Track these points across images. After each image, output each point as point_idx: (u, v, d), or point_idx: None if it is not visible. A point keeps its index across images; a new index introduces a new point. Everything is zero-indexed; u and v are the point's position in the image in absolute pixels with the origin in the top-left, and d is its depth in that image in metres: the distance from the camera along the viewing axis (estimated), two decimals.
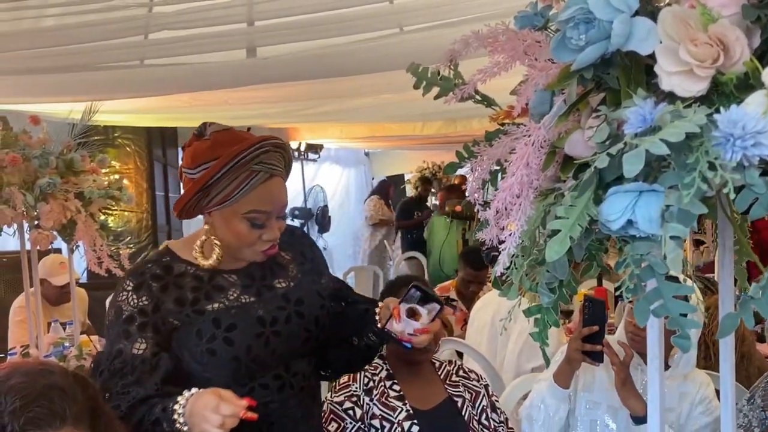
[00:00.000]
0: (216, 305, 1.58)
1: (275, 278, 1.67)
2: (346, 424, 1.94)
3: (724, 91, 0.80)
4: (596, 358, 2.04)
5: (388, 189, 9.17)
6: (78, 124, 3.29)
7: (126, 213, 5.68)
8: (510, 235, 0.85)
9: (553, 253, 0.79)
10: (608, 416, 2.14)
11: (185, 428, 1.41)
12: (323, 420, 1.97)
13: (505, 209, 0.89)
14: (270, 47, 2.94)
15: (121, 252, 3.17)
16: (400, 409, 1.96)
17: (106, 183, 3.26)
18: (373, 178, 11.33)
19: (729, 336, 1.16)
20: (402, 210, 8.43)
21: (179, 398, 1.42)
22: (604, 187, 0.84)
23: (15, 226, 3.01)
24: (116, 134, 5.71)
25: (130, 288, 1.57)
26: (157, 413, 1.45)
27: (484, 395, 2.11)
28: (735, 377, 2.08)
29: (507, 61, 0.91)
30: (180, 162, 1.64)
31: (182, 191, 1.61)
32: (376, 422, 1.94)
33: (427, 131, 5.89)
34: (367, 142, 7.94)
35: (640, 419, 1.92)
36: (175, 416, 1.40)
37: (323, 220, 8.22)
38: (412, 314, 1.58)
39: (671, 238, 0.71)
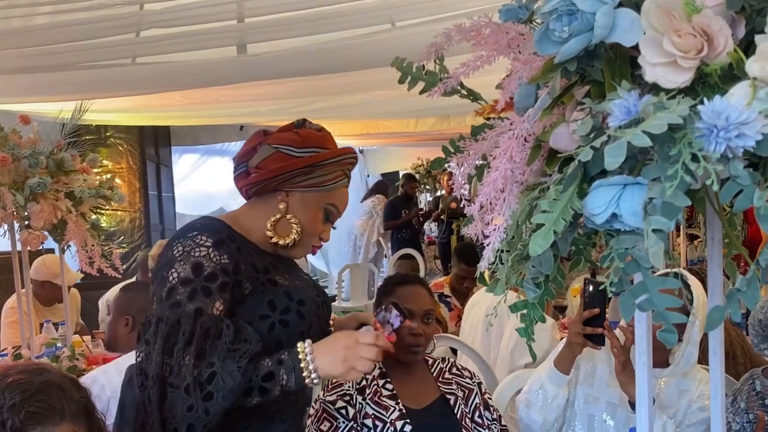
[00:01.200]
0: (282, 279, 1.59)
1: (299, 271, 1.74)
2: (339, 423, 1.93)
3: (708, 83, 0.79)
4: (597, 341, 2.01)
5: (387, 188, 9.18)
6: (68, 123, 3.27)
7: (119, 212, 5.66)
8: (494, 230, 0.84)
9: (536, 247, 0.78)
10: (606, 413, 2.12)
11: (315, 379, 1.42)
12: (316, 419, 1.96)
13: (490, 204, 0.88)
14: (260, 44, 2.93)
15: (113, 251, 3.15)
16: (392, 409, 1.95)
17: (97, 182, 3.25)
18: (368, 176, 11.31)
19: (719, 330, 1.16)
20: (389, 209, 8.41)
21: (299, 349, 1.43)
22: (588, 181, 0.83)
23: (5, 226, 3.00)
24: (108, 133, 5.68)
25: (209, 244, 1.48)
26: (269, 366, 1.41)
27: (477, 393, 2.10)
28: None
29: (490, 55, 0.90)
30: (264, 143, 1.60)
31: (256, 169, 1.59)
32: (368, 421, 1.93)
33: (421, 128, 5.88)
34: (362, 139, 7.92)
35: None
36: (302, 365, 1.41)
37: None
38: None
39: (654, 231, 0.70)
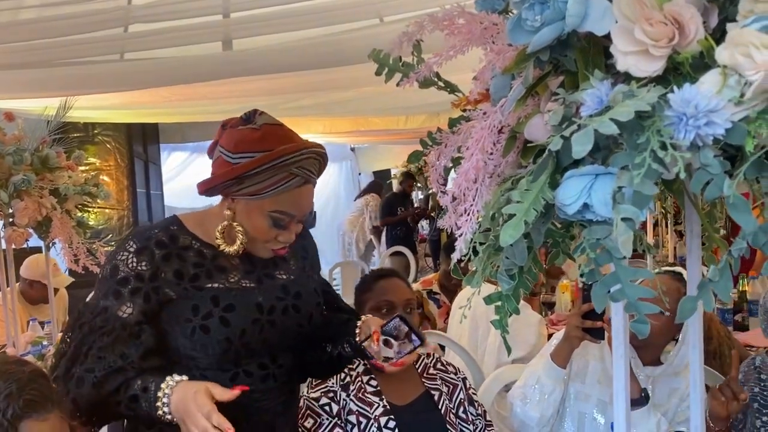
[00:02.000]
0: (216, 284, 1.57)
1: (276, 269, 1.68)
2: (323, 420, 1.92)
3: (681, 72, 0.78)
4: (597, 335, 1.98)
5: (382, 187, 9.14)
6: (53, 120, 3.25)
7: (107, 210, 5.63)
8: (466, 220, 0.83)
9: (507, 237, 0.77)
10: (597, 410, 2.11)
11: (168, 416, 1.41)
12: (299, 416, 1.95)
13: (463, 195, 0.87)
14: (246, 39, 2.91)
15: (97, 249, 3.13)
16: (376, 405, 1.94)
17: (82, 179, 3.23)
18: (359, 174, 11.30)
19: (698, 323, 1.15)
20: (385, 206, 8.41)
21: (163, 384, 1.42)
22: (561, 172, 0.83)
23: None
24: (96, 131, 5.65)
25: (132, 249, 1.54)
26: (136, 389, 1.44)
27: (461, 388, 2.09)
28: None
29: (463, 44, 0.89)
30: (218, 143, 1.59)
31: (211, 167, 1.58)
32: (352, 418, 1.92)
33: (411, 125, 5.87)
34: (352, 137, 7.91)
35: (633, 402, 1.88)
36: (159, 403, 1.41)
37: (308, 216, 8.16)
38: (388, 343, 1.64)
39: (623, 220, 0.69)
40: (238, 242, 1.58)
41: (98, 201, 3.35)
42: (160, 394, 1.41)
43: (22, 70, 3.51)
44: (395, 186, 9.60)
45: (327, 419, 1.91)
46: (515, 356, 2.99)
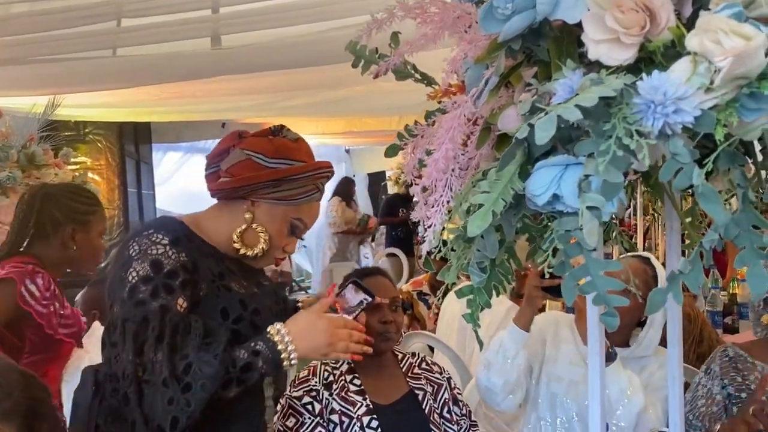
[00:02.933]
0: (237, 286, 1.54)
1: (261, 277, 1.70)
2: (305, 419, 1.90)
3: (653, 61, 0.77)
4: (556, 292, 1.96)
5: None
6: (41, 118, 3.24)
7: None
8: (436, 212, 0.82)
9: (474, 227, 0.76)
10: (567, 393, 2.10)
11: (294, 361, 1.43)
12: (282, 415, 1.93)
13: (434, 186, 0.85)
14: (235, 36, 2.89)
15: None
16: (359, 404, 1.92)
17: (70, 177, 3.21)
18: (354, 176, 11.27)
19: (677, 320, 1.14)
20: (387, 206, 8.37)
21: (270, 333, 1.44)
22: (533, 163, 0.82)
23: None
24: (87, 130, 5.62)
25: (165, 241, 1.45)
26: (244, 358, 1.40)
27: (446, 388, 2.08)
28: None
29: (435, 33, 0.88)
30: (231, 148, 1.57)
31: (226, 172, 1.55)
32: (335, 417, 1.90)
33: (404, 125, 5.84)
34: (346, 138, 7.90)
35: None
36: (283, 354, 1.43)
37: None
38: (345, 307, 1.68)
39: (589, 208, 0.68)
40: (261, 245, 1.57)
41: None
42: (278, 341, 1.43)
43: (14, 66, 3.49)
44: (390, 187, 9.56)
45: (309, 418, 1.89)
46: None
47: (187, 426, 1.36)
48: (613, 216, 1.16)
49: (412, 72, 1.09)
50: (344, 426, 1.89)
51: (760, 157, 0.83)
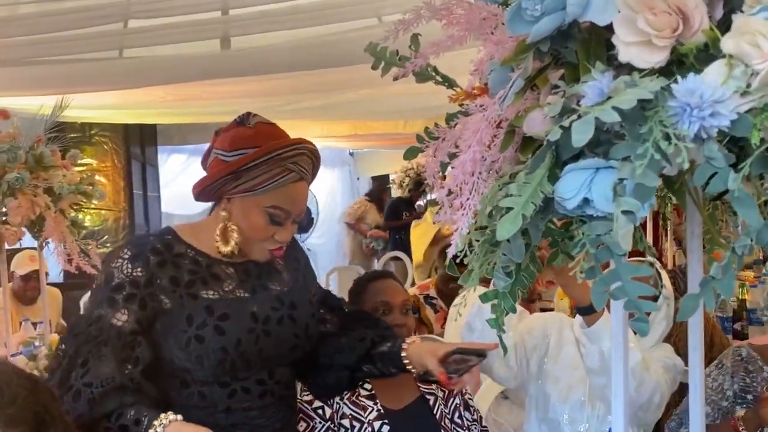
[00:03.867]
0: (211, 293, 1.56)
1: (270, 280, 1.67)
2: (315, 423, 1.89)
3: (685, 64, 0.76)
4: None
5: (382, 194, 9.00)
6: (49, 119, 3.23)
7: (103, 212, 5.60)
8: (462, 215, 0.81)
9: (504, 231, 0.75)
10: (561, 395, 2.06)
11: None
12: None
13: (459, 189, 0.84)
14: (244, 38, 2.89)
15: (90, 248, 3.10)
16: (370, 409, 1.91)
17: (77, 179, 3.20)
18: (358, 179, 11.27)
19: (698, 325, 1.13)
20: (391, 210, 8.36)
21: (156, 421, 1.40)
22: (561, 166, 0.81)
23: None
24: (93, 131, 5.63)
25: (126, 256, 1.52)
26: (128, 420, 1.41)
27: (457, 393, 2.06)
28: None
29: (462, 35, 0.87)
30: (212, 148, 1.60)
31: (206, 173, 1.60)
32: (345, 422, 1.89)
33: (410, 129, 5.84)
34: (351, 141, 7.89)
35: (584, 309, 1.78)
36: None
37: (304, 220, 8.11)
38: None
39: (623, 213, 0.67)
40: (233, 242, 1.57)
41: (93, 201, 3.33)
42: (152, 431, 1.39)
43: (21, 67, 3.49)
44: (394, 191, 9.55)
45: (320, 423, 1.88)
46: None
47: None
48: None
49: (433, 74, 1.08)
50: (355, 430, 1.88)
51: None
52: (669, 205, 3.36)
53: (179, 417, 1.41)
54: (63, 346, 1.52)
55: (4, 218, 2.86)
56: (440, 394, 2.03)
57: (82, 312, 1.58)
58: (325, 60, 3.05)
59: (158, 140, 6.58)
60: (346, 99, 4.46)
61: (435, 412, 1.99)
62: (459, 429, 2.01)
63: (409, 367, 1.67)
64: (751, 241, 0.75)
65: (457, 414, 2.03)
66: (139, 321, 1.50)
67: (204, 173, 1.61)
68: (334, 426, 1.89)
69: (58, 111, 3.25)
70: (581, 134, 0.66)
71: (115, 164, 5.70)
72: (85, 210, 5.13)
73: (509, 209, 0.76)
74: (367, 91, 4.09)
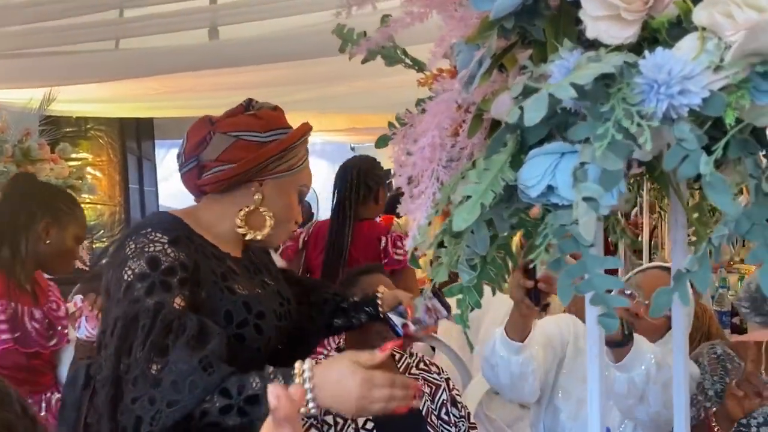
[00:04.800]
0: (240, 288, 1.45)
1: (267, 275, 1.62)
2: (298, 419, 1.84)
3: (657, 40, 0.71)
4: (534, 299, 1.62)
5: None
6: (37, 112, 3.19)
7: (99, 206, 5.56)
8: (420, 205, 0.75)
9: (461, 221, 0.69)
10: (571, 412, 1.98)
11: (311, 406, 1.22)
12: None
13: (420, 176, 0.79)
14: (233, 27, 2.83)
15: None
16: None
17: (67, 172, 3.16)
18: None
19: (683, 325, 1.07)
20: (390, 204, 8.29)
21: (295, 371, 1.23)
22: (526, 152, 0.75)
23: None
24: (89, 125, 5.58)
25: (165, 240, 1.36)
26: (254, 388, 1.22)
27: (444, 389, 2.01)
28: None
29: (422, 12, 0.82)
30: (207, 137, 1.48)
31: (220, 160, 1.46)
32: (329, 418, 1.85)
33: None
34: (350, 135, 7.82)
35: (617, 344, 1.64)
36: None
37: (305, 214, 8.03)
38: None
39: (585, 200, 0.62)
40: (267, 227, 1.49)
41: (83, 195, 3.28)
42: (299, 380, 1.22)
43: (15, 59, 3.44)
44: (395, 185, 9.47)
45: (303, 419, 1.83)
46: None
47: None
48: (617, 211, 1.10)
49: (402, 57, 1.03)
50: (338, 427, 1.84)
51: None
52: (665, 198, 3.29)
53: (309, 364, 1.25)
54: (125, 360, 1.28)
55: None
56: (427, 390, 1.98)
57: (119, 305, 1.33)
58: (317, 50, 2.99)
59: (156, 135, 6.54)
60: (340, 91, 4.40)
61: (421, 408, 1.94)
62: (446, 426, 1.96)
63: (380, 307, 1.72)
64: (730, 231, 0.70)
65: (444, 410, 1.98)
66: (191, 307, 1.34)
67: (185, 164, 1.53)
68: (317, 422, 1.84)
69: (46, 104, 3.21)
70: (534, 112, 0.60)
71: (110, 158, 5.65)
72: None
73: (468, 197, 0.70)
74: (361, 83, 4.03)
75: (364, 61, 1.05)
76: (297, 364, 1.25)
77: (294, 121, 1.62)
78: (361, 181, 3.27)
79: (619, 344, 1.63)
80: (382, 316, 1.72)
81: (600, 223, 0.92)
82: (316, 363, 1.26)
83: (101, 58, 3.44)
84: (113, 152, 5.66)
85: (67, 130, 5.19)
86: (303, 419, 1.84)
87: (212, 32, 2.84)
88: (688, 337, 1.97)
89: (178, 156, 1.53)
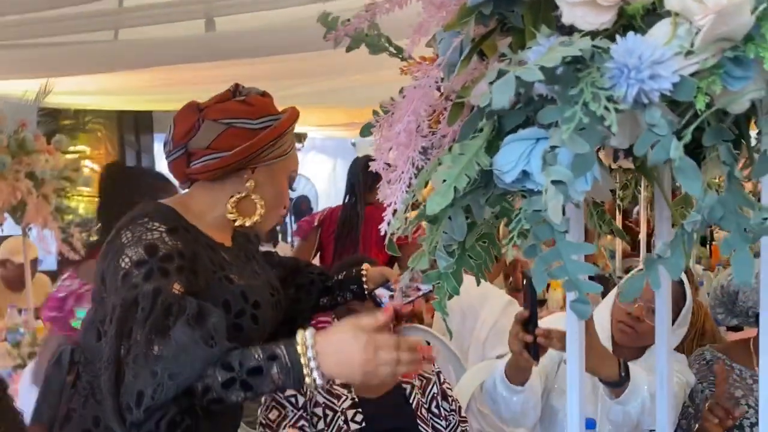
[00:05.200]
0: (236, 277, 1.44)
1: (254, 264, 1.60)
2: (287, 412, 1.85)
3: (632, 25, 0.71)
4: (532, 352, 1.58)
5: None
6: (33, 104, 3.20)
7: (97, 199, 5.55)
8: (397, 190, 0.75)
9: (434, 205, 0.69)
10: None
11: (318, 380, 1.19)
12: (265, 408, 1.88)
13: (396, 162, 0.79)
14: (230, 20, 2.82)
15: (72, 235, 3.06)
16: (344, 397, 1.86)
17: (62, 164, 3.17)
18: None
19: (666, 323, 1.07)
20: None
21: (297, 340, 1.20)
22: (504, 138, 0.75)
23: None
24: (87, 119, 5.58)
25: (162, 229, 1.35)
26: (257, 359, 1.19)
27: (435, 382, 2.02)
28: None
29: None
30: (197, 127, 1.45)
31: (210, 148, 1.43)
32: (318, 410, 1.85)
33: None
34: (349, 129, 7.81)
35: (615, 384, 1.64)
36: (302, 361, 1.18)
37: (300, 209, 8.04)
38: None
39: (554, 183, 0.62)
40: (257, 214, 1.48)
41: (78, 187, 3.29)
42: (300, 353, 1.19)
43: (12, 50, 3.42)
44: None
45: (292, 411, 1.84)
46: (500, 352, 2.91)
47: (157, 408, 1.19)
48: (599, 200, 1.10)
49: (386, 45, 1.03)
50: (328, 419, 1.84)
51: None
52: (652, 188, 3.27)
53: (310, 332, 1.22)
54: (125, 342, 1.26)
55: None
56: (417, 383, 1.98)
57: (117, 293, 1.31)
58: (313, 43, 2.98)
59: (155, 128, 6.53)
60: (339, 85, 4.39)
61: (411, 401, 1.94)
62: (436, 419, 1.96)
63: (365, 285, 1.71)
64: (703, 218, 0.70)
65: (434, 403, 1.98)
66: (188, 294, 1.31)
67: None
68: (306, 414, 1.84)
69: (42, 96, 3.22)
70: (500, 95, 0.60)
71: (108, 151, 5.65)
72: (78, 197, 5.10)
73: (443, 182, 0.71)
74: (359, 76, 4.03)
75: (348, 50, 1.05)
76: (299, 334, 1.22)
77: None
78: (369, 169, 3.45)
79: (616, 384, 1.65)
80: (367, 293, 1.70)
81: (580, 212, 0.93)
82: (315, 332, 1.23)
83: (99, 48, 3.42)
84: (111, 145, 5.66)
85: (65, 122, 5.18)
86: (293, 411, 1.84)
87: (209, 24, 2.83)
88: (684, 334, 1.97)
89: (165, 143, 1.51)
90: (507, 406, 1.78)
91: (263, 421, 1.85)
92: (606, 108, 0.57)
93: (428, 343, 3.18)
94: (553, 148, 0.63)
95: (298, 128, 1.62)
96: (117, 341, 1.26)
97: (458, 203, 0.78)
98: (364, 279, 1.71)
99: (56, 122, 4.74)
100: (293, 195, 8.21)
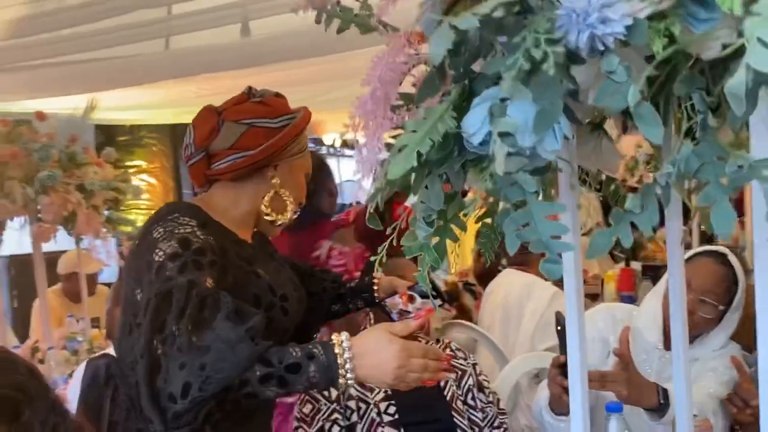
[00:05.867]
0: (263, 271, 1.46)
1: (274, 261, 1.61)
2: (321, 405, 1.85)
3: None
4: None
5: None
6: (80, 120, 3.30)
7: (153, 211, 5.70)
8: (364, 158, 0.75)
9: (397, 169, 0.68)
10: None
11: (350, 380, 1.22)
12: (298, 401, 1.89)
13: (361, 128, 0.79)
14: (265, 20, 2.84)
15: (123, 244, 3.15)
16: (377, 390, 1.86)
17: (111, 176, 3.26)
18: None
19: (681, 312, 1.01)
20: None
21: (333, 341, 1.23)
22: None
23: (21, 220, 3.03)
24: (142, 133, 5.74)
25: (194, 223, 1.38)
26: (296, 356, 1.21)
27: (470, 374, 1.99)
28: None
29: None
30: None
31: (233, 149, 1.47)
32: (352, 403, 1.85)
33: None
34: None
35: (652, 411, 1.60)
36: (340, 360, 1.21)
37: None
38: (412, 299, 1.65)
39: (500, 135, 0.60)
40: (289, 209, 1.53)
41: (128, 198, 3.38)
42: (338, 353, 1.21)
43: (59, 66, 3.51)
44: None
45: (325, 404, 1.85)
46: (548, 345, 2.85)
47: (202, 400, 1.19)
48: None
49: (376, 24, 1.02)
50: (361, 412, 1.84)
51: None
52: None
53: (345, 336, 1.25)
54: (157, 337, 1.25)
55: (38, 216, 2.93)
56: (452, 375, 1.96)
57: (151, 285, 1.31)
58: (350, 44, 2.99)
59: None
60: None
61: (446, 393, 1.92)
62: (473, 411, 1.94)
63: (376, 294, 1.73)
64: (678, 170, 0.67)
65: (470, 395, 1.95)
66: (220, 289, 1.32)
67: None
68: (339, 407, 1.85)
69: (89, 111, 3.32)
70: (437, 46, 0.59)
71: (163, 165, 5.80)
72: (136, 210, 5.25)
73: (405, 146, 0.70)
74: None
75: (339, 31, 1.05)
76: (334, 336, 1.25)
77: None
78: None
79: (657, 410, 1.60)
80: (378, 302, 1.72)
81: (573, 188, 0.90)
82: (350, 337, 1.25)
83: (149, 59, 3.47)
84: (166, 159, 5.81)
85: (121, 138, 5.34)
86: (327, 404, 1.85)
87: (244, 29, 2.87)
88: (738, 318, 1.86)
89: (185, 147, 1.53)
90: (556, 429, 1.76)
91: (298, 416, 1.86)
92: (545, 52, 0.55)
93: (475, 341, 3.15)
94: (503, 100, 0.61)
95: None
96: (151, 332, 1.26)
97: (434, 171, 0.77)
98: (375, 288, 1.74)
99: (113, 138, 4.87)
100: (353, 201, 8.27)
